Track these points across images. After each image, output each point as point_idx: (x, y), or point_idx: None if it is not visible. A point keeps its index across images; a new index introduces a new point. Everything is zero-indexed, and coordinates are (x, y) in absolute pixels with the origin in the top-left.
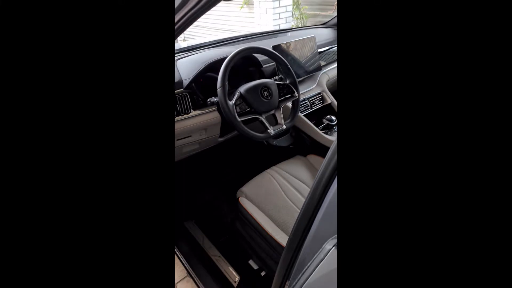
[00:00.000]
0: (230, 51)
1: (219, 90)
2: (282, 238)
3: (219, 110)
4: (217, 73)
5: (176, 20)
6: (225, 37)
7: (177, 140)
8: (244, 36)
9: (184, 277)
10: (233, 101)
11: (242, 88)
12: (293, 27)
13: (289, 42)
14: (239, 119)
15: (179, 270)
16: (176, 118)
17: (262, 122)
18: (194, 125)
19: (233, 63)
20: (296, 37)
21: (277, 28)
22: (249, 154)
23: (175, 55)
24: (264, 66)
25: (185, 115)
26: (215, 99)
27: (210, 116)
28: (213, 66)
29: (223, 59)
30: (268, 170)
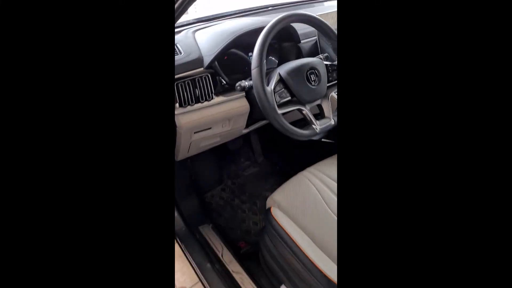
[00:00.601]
0: (264, 20)
1: (254, 72)
2: (325, 264)
3: (248, 96)
4: (245, 50)
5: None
6: (251, 7)
7: (195, 133)
8: (273, 6)
9: (197, 282)
10: (272, 86)
11: (282, 70)
12: None
13: (328, 13)
14: (279, 112)
15: (192, 274)
16: (195, 106)
17: (306, 115)
18: (216, 115)
19: (273, 35)
20: (335, 8)
21: None
22: (272, 146)
23: (193, 25)
24: (302, 41)
25: (206, 103)
26: (247, 83)
27: (236, 104)
28: (241, 40)
29: (257, 31)
30: (304, 173)
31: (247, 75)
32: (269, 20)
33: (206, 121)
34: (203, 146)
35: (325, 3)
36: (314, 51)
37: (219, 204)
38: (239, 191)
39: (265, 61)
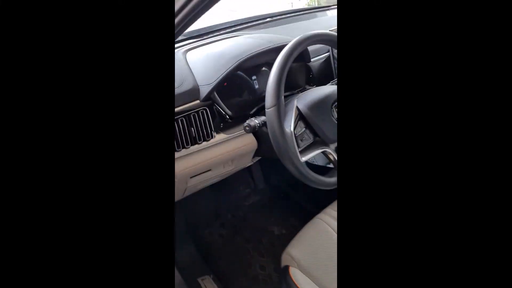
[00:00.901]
0: (270, 40)
1: (270, 112)
2: None
3: (255, 133)
4: (247, 72)
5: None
6: (247, 17)
7: (191, 178)
8: (271, 16)
9: None
10: (292, 126)
11: (301, 103)
12: (331, 5)
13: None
14: (302, 160)
15: None
16: (192, 149)
17: (332, 158)
18: (217, 157)
19: (290, 63)
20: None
21: (289, 6)
22: (274, 169)
23: (182, 43)
24: (312, 59)
25: (204, 143)
26: (256, 121)
27: (241, 142)
28: (244, 63)
29: (263, 53)
30: (323, 217)
31: (251, 101)
32: (275, 38)
33: (205, 165)
34: (200, 187)
35: (328, 12)
36: (325, 70)
37: (218, 243)
38: (241, 226)
39: (283, 97)
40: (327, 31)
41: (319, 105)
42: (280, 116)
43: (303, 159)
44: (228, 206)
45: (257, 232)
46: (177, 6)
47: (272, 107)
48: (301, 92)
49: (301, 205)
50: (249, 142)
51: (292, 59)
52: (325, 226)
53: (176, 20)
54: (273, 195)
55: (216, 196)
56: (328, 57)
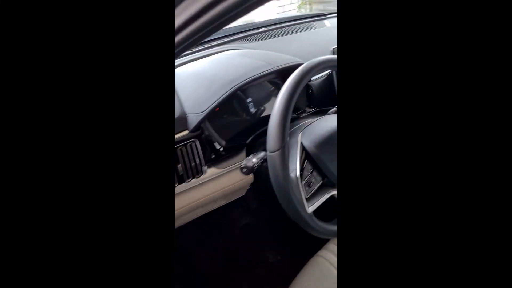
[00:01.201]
0: (271, 62)
1: (274, 156)
2: None
3: (255, 172)
4: (243, 92)
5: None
6: (240, 25)
7: (178, 218)
8: (266, 25)
9: None
10: (297, 171)
11: (306, 140)
12: (327, 12)
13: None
14: (309, 210)
15: None
16: (179, 188)
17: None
18: (209, 196)
19: (299, 91)
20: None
21: (280, 10)
22: (266, 186)
23: None
24: (312, 78)
25: (194, 180)
26: (254, 160)
27: (235, 178)
28: (242, 87)
29: (268, 75)
30: (324, 253)
31: (246, 124)
32: (274, 59)
33: (194, 205)
34: (188, 221)
35: (326, 22)
36: (326, 88)
37: (208, 274)
38: (233, 252)
39: (288, 138)
40: (334, 56)
41: (326, 142)
42: (285, 162)
43: (310, 209)
44: (219, 228)
45: (250, 259)
46: (177, 22)
47: (275, 151)
48: (301, 114)
49: (299, 226)
50: (244, 176)
51: (299, 91)
52: (327, 266)
53: (177, 38)
54: (267, 216)
55: (205, 219)
56: (330, 74)
